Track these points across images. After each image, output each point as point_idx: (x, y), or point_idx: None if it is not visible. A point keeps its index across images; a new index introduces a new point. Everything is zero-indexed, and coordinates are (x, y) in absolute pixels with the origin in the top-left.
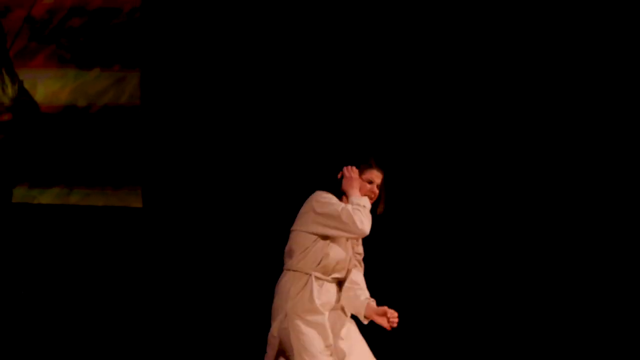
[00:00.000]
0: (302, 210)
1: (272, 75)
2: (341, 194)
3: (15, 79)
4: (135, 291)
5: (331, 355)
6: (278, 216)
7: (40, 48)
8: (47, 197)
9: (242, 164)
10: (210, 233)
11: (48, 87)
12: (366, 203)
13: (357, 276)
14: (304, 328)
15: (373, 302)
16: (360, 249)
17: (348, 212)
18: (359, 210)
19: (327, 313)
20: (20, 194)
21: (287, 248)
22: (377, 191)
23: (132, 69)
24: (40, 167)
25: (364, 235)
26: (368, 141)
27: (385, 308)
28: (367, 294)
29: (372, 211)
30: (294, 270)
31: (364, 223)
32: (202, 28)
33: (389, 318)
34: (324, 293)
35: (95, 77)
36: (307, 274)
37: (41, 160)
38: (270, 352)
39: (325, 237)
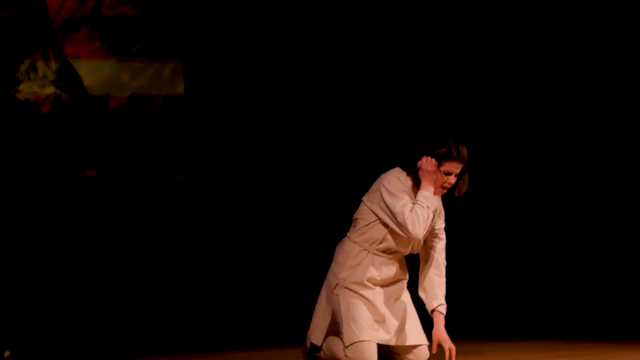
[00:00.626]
0: (374, 185)
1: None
2: (417, 175)
3: (59, 54)
4: (179, 258)
5: (378, 330)
6: (322, 192)
7: (83, 22)
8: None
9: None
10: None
11: (90, 65)
12: (431, 203)
13: (444, 256)
14: (354, 300)
15: (443, 316)
16: (439, 223)
17: (403, 214)
18: (417, 213)
19: (381, 289)
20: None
21: (354, 215)
22: (453, 182)
23: (174, 57)
24: (79, 153)
25: (415, 239)
26: (450, 129)
27: (445, 341)
28: (437, 299)
29: (450, 194)
30: (354, 242)
31: (417, 228)
32: (244, 17)
33: (449, 352)
34: (384, 270)
35: (137, 62)
36: (366, 250)
37: (81, 145)
38: (319, 315)
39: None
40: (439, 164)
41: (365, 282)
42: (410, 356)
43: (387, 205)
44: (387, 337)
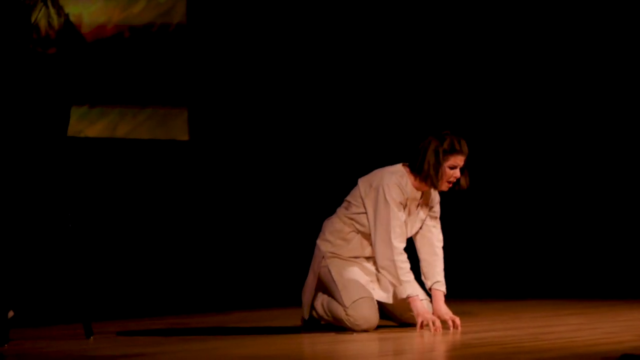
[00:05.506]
0: (375, 179)
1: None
2: (418, 172)
3: (61, 12)
4: (180, 223)
5: (374, 290)
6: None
7: None
8: (92, 129)
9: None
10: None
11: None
12: (410, 287)
13: (437, 236)
14: (346, 265)
15: (440, 292)
16: (435, 209)
17: (390, 240)
18: (396, 262)
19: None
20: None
21: (348, 197)
22: (458, 175)
23: None
24: (85, 86)
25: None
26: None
27: (445, 315)
28: (433, 277)
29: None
30: (344, 222)
31: (386, 251)
32: None
33: (454, 323)
34: (369, 248)
35: None
36: (355, 231)
37: (86, 79)
38: (308, 290)
39: None
40: (444, 159)
41: (350, 257)
42: (413, 312)
43: (378, 213)
44: (385, 295)
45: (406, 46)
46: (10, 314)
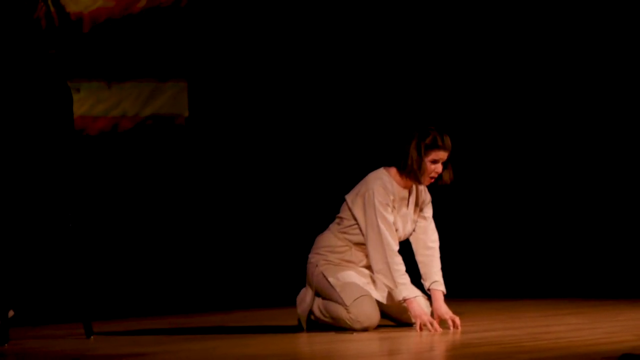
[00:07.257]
0: (360, 188)
1: None
2: (402, 167)
3: (61, 11)
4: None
5: (371, 290)
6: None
7: None
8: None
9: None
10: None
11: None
12: (405, 289)
13: (431, 236)
14: (341, 268)
15: (439, 292)
16: (425, 210)
17: (377, 237)
18: (388, 267)
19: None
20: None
21: (339, 214)
22: (440, 170)
23: None
24: (84, 60)
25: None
26: (433, 119)
27: (445, 314)
28: (430, 278)
29: (434, 182)
30: (336, 237)
31: (377, 250)
32: None
33: (454, 323)
34: (364, 260)
35: None
36: (348, 246)
37: (86, 54)
38: (306, 302)
39: None
40: (426, 154)
41: (343, 261)
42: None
43: (367, 218)
44: (382, 295)
45: (399, 48)
46: (11, 313)
